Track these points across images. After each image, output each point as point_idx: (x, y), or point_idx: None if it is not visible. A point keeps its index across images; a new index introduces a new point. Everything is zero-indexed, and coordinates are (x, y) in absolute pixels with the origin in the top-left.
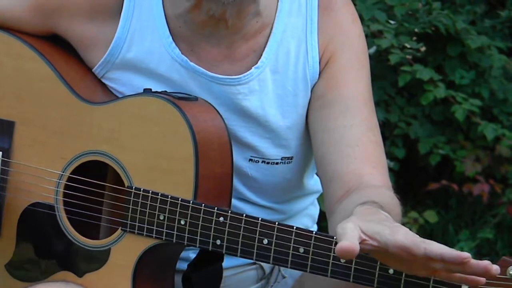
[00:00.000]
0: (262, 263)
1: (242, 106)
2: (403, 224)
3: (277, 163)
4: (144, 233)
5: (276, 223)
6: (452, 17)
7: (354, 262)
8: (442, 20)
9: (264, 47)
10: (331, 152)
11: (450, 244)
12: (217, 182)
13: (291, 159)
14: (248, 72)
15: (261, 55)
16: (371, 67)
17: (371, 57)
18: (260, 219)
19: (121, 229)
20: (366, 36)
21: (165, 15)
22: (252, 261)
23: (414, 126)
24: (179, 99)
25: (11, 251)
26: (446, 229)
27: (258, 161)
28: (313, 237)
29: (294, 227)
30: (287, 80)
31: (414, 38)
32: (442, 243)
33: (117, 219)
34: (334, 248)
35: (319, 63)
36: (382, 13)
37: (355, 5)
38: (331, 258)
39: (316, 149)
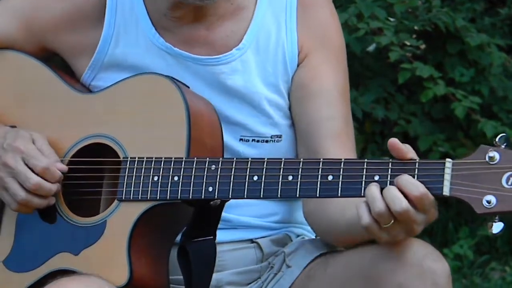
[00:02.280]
0: (259, 241)
1: (227, 85)
2: None
3: (267, 141)
4: (139, 196)
5: (266, 158)
6: (451, 15)
7: (341, 177)
8: (441, 17)
9: (246, 30)
10: (316, 143)
11: (450, 242)
12: (208, 153)
13: (280, 137)
14: (228, 53)
15: (243, 37)
16: (371, 64)
17: (370, 54)
18: (250, 158)
19: (117, 200)
20: (366, 33)
21: (146, 9)
22: (248, 238)
23: (413, 123)
24: (172, 78)
25: (9, 247)
26: (446, 227)
27: (249, 140)
28: (301, 163)
29: (283, 158)
30: (267, 62)
31: (414, 35)
32: (442, 241)
33: (115, 193)
34: (321, 169)
35: (298, 55)
36: (382, 10)
37: (354, 2)
38: (320, 178)
39: (302, 138)
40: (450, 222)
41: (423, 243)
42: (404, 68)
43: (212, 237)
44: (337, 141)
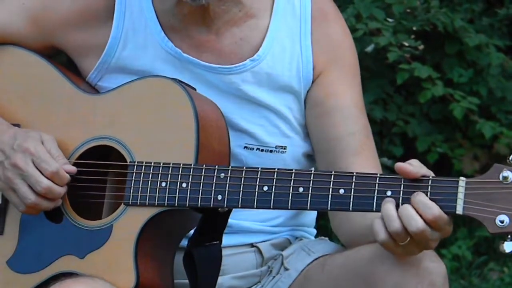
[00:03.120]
0: (259, 246)
1: (236, 93)
2: None
3: (271, 151)
4: (147, 202)
5: (276, 168)
6: (450, 15)
7: (352, 191)
8: (440, 18)
9: (260, 40)
10: (338, 160)
11: (448, 243)
12: (216, 158)
13: (284, 148)
14: (241, 63)
15: (258, 48)
16: (369, 65)
17: (369, 55)
18: (260, 168)
19: (124, 204)
20: (364, 34)
21: (155, 11)
22: (249, 242)
23: (412, 124)
24: (180, 81)
25: (13, 247)
26: None
27: (253, 149)
28: (312, 175)
29: (294, 170)
30: (281, 75)
31: (412, 36)
32: (440, 242)
33: (120, 197)
34: (332, 182)
35: (313, 71)
36: (380, 11)
37: (353, 3)
38: (331, 191)
39: (323, 155)
40: None
41: None
42: (402, 69)
43: (218, 242)
44: (359, 157)
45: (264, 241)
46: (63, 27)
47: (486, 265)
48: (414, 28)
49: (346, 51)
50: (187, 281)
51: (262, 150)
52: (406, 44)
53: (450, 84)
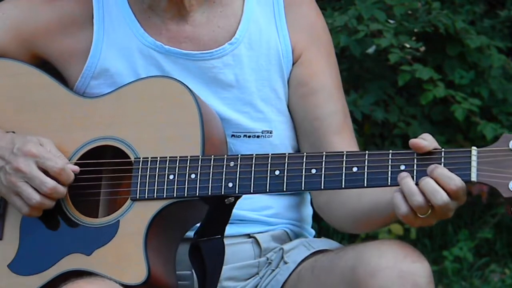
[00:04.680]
0: (257, 237)
1: (219, 80)
2: (402, 225)
3: (258, 136)
4: (155, 195)
5: (287, 153)
6: (451, 17)
7: (366, 167)
8: (441, 19)
9: (237, 25)
10: (322, 139)
11: (450, 244)
12: (217, 152)
13: (270, 132)
14: (220, 47)
15: (235, 32)
16: (370, 66)
17: (370, 56)
18: (270, 154)
19: (130, 199)
20: (366, 35)
21: (131, 10)
22: (246, 233)
23: (413, 126)
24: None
25: (14, 251)
26: (445, 229)
27: (240, 136)
28: (324, 156)
29: (305, 153)
30: (261, 56)
31: (414, 37)
32: (442, 244)
33: (125, 194)
34: (345, 161)
35: (292, 52)
36: (382, 12)
37: (354, 4)
38: (344, 170)
39: (306, 135)
40: (450, 225)
41: (402, 244)
42: (403, 70)
43: (220, 236)
44: (340, 135)
45: (261, 232)
46: (45, 35)
47: (487, 267)
48: (416, 30)
49: (321, 31)
50: (186, 272)
51: (249, 137)
52: (408, 45)
53: (451, 85)
